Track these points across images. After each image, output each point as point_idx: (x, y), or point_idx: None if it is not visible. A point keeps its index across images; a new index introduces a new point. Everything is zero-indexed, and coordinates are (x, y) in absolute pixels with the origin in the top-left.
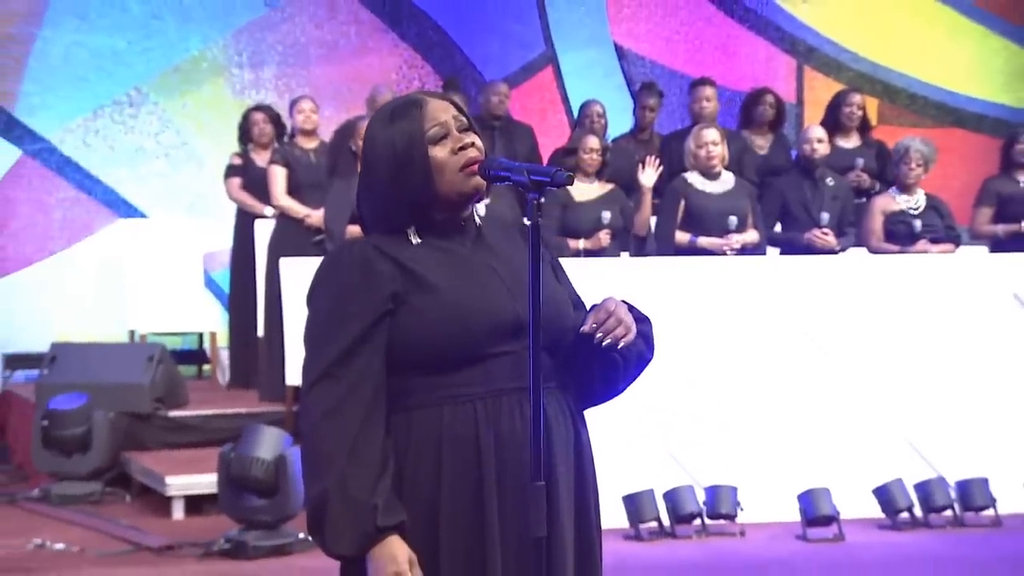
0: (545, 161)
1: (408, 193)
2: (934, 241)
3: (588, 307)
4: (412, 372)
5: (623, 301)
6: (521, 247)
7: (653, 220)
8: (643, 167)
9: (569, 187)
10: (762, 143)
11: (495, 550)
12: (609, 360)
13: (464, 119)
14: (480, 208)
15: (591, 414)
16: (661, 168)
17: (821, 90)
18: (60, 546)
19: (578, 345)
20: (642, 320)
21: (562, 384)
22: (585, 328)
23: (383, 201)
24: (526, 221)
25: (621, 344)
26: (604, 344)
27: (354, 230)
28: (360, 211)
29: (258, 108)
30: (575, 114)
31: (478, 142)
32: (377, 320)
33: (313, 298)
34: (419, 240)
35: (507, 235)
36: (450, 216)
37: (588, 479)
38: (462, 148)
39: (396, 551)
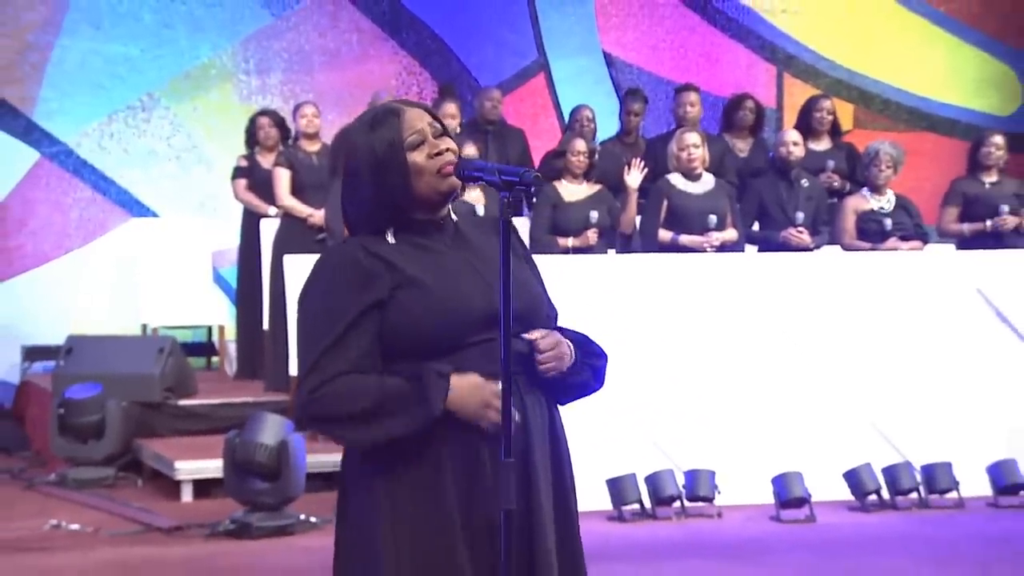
0: (536, 163)
1: (389, 195)
2: (904, 239)
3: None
4: (398, 360)
5: (584, 335)
6: (496, 242)
7: (638, 219)
8: (629, 169)
9: (559, 188)
10: (743, 146)
11: (456, 527)
12: (548, 388)
13: (439, 125)
14: (479, 208)
15: (579, 401)
16: (646, 170)
17: (800, 96)
18: (75, 527)
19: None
20: (599, 355)
21: (534, 374)
22: (531, 335)
23: (366, 203)
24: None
25: (546, 372)
26: (539, 366)
27: None
28: (346, 213)
29: (264, 113)
30: (566, 118)
31: (452, 146)
32: (367, 310)
33: (306, 297)
34: (394, 240)
35: (483, 231)
36: (429, 216)
37: (564, 460)
38: (438, 153)
39: (471, 378)
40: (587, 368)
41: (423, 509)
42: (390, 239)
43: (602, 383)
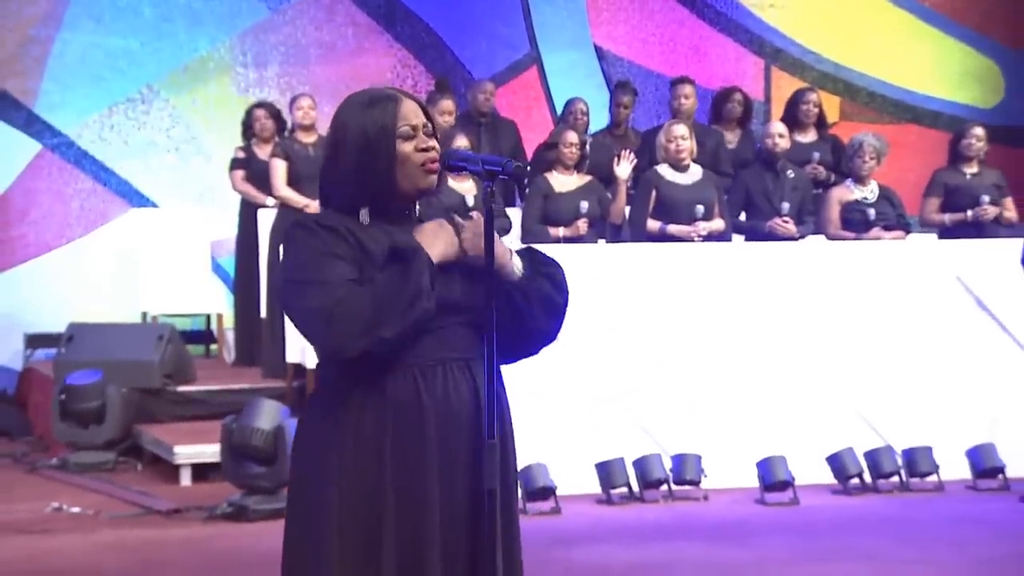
0: (529, 154)
1: (372, 177)
2: (887, 228)
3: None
4: None
5: (529, 248)
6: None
7: (627, 210)
8: (619, 161)
9: (550, 179)
10: (731, 138)
11: (434, 499)
12: (512, 310)
13: (430, 126)
14: (469, 199)
15: (570, 387)
16: (635, 161)
17: (787, 88)
18: (76, 509)
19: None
20: (548, 263)
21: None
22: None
23: (347, 180)
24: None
25: (465, 245)
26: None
27: None
28: (322, 186)
29: (260, 105)
30: (558, 111)
31: (438, 148)
32: (348, 253)
33: (288, 253)
34: (368, 221)
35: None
36: (401, 206)
37: (508, 435)
38: (424, 150)
39: (429, 224)
40: (543, 278)
41: (362, 476)
42: (364, 219)
43: (566, 293)
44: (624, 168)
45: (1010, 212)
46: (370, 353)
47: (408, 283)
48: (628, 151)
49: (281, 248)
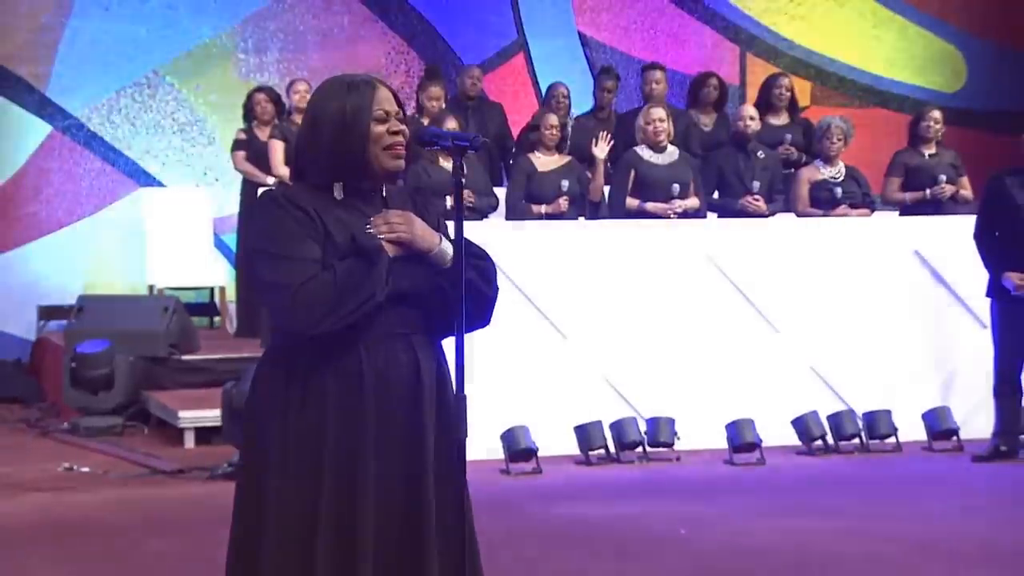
0: (516, 136)
1: (347, 154)
2: (852, 206)
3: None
4: None
5: (464, 239)
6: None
7: (607, 188)
8: (596, 142)
9: (533, 159)
10: (707, 121)
11: (368, 464)
12: (440, 294)
13: (402, 114)
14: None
15: (551, 355)
16: (612, 142)
17: (761, 74)
18: (86, 469)
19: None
20: (478, 256)
21: (427, 329)
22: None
23: (324, 156)
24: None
25: (382, 235)
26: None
27: None
28: (296, 160)
29: (260, 89)
30: (544, 95)
31: (407, 134)
32: (314, 235)
33: (260, 223)
34: (342, 196)
35: (403, 202)
36: (370, 185)
37: (448, 403)
38: (394, 133)
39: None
40: (470, 268)
41: (304, 441)
42: (338, 194)
43: (492, 283)
44: (601, 148)
45: (966, 191)
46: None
47: (369, 279)
48: (606, 132)
49: (253, 215)
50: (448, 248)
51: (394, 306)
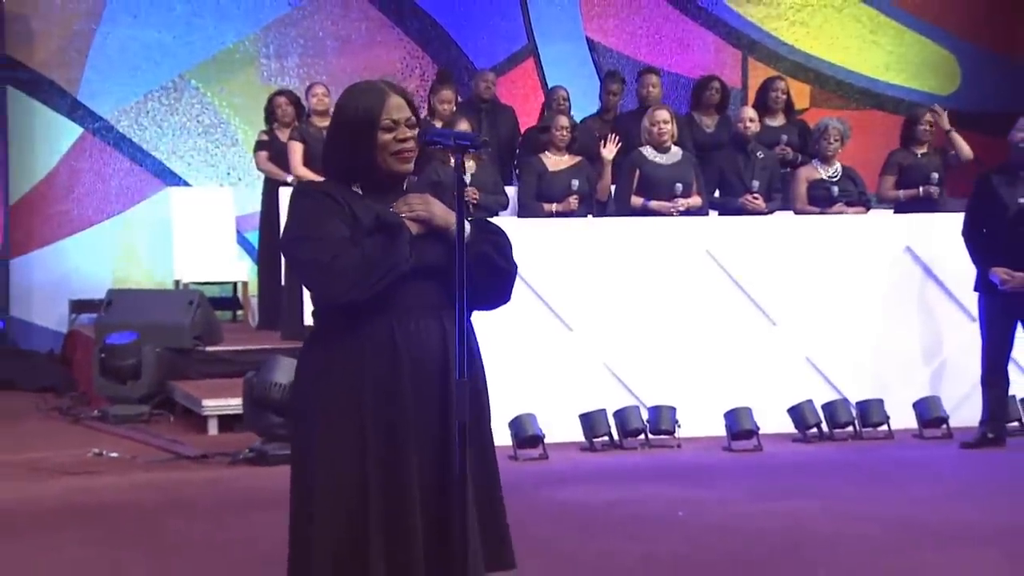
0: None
1: (359, 158)
2: (849, 204)
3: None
4: None
5: (482, 219)
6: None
7: (613, 188)
8: (605, 144)
9: (543, 159)
10: (709, 122)
11: (408, 417)
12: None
13: (414, 118)
14: (466, 177)
15: (558, 346)
16: (620, 144)
17: (762, 77)
18: (115, 454)
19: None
20: (494, 232)
21: (453, 305)
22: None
23: (344, 156)
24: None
25: (403, 214)
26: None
27: None
28: (324, 159)
29: (281, 92)
30: (545, 98)
31: (415, 138)
32: (342, 216)
33: (292, 214)
34: (361, 192)
35: (426, 193)
36: (388, 183)
37: (480, 378)
38: (402, 140)
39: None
40: (487, 243)
41: (344, 401)
42: (357, 191)
43: (508, 257)
44: (609, 150)
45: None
46: (355, 303)
47: (394, 251)
48: (614, 135)
49: (286, 211)
50: (467, 227)
51: (421, 280)
